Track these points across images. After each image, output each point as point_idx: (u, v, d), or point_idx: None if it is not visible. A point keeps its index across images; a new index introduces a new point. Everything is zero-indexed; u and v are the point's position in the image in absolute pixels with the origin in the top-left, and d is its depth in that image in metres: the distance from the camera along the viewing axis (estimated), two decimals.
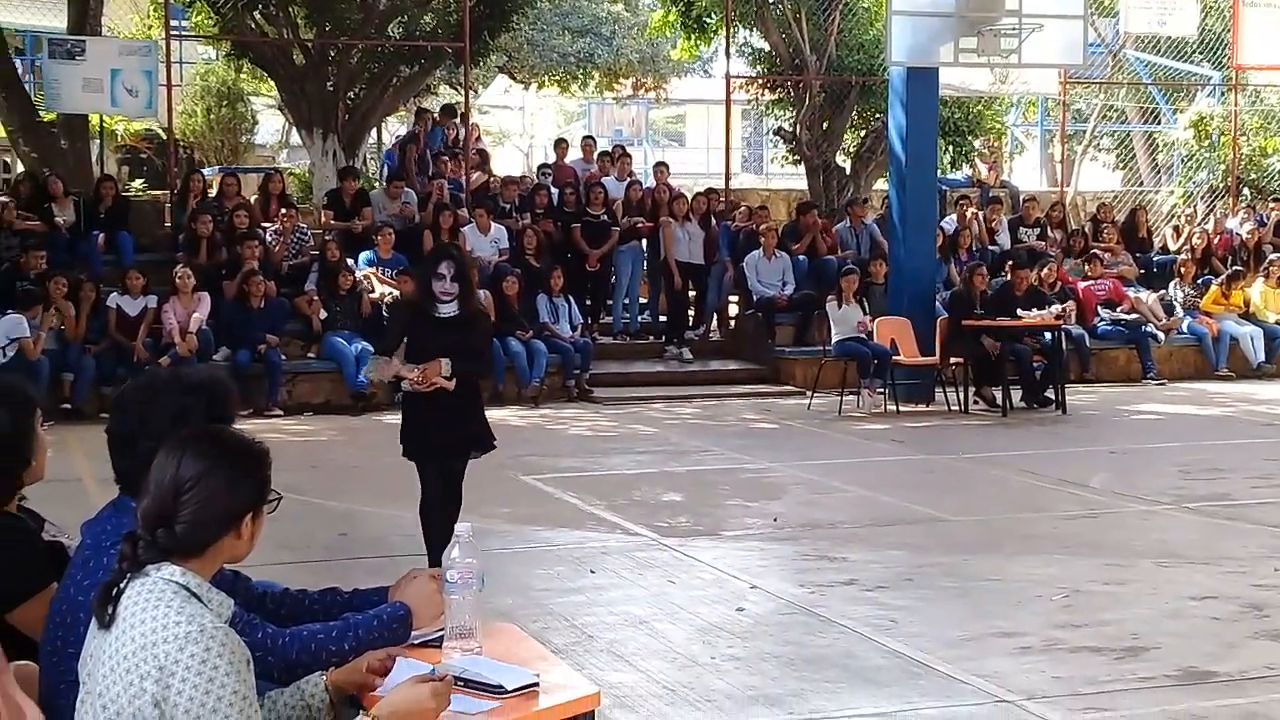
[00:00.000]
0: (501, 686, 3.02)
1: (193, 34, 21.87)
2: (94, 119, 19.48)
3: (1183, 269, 18.27)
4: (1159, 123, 25.94)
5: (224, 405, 3.22)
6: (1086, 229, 19.10)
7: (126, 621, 2.72)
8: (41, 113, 18.53)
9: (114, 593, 2.77)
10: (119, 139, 24.00)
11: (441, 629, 3.33)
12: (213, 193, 17.23)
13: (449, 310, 7.28)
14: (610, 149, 20.66)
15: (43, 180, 16.55)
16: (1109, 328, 17.27)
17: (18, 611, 3.54)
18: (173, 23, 18.94)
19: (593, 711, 3.11)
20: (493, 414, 14.24)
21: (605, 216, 17.43)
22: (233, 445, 2.92)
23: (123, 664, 2.68)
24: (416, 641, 3.35)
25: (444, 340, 7.21)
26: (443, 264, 7.28)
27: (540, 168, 19.66)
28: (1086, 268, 17.80)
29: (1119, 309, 17.44)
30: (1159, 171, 25.74)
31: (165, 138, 20.50)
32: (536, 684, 3.06)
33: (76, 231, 16.08)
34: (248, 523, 2.87)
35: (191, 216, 15.96)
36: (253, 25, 19.57)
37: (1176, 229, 19.99)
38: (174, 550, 2.79)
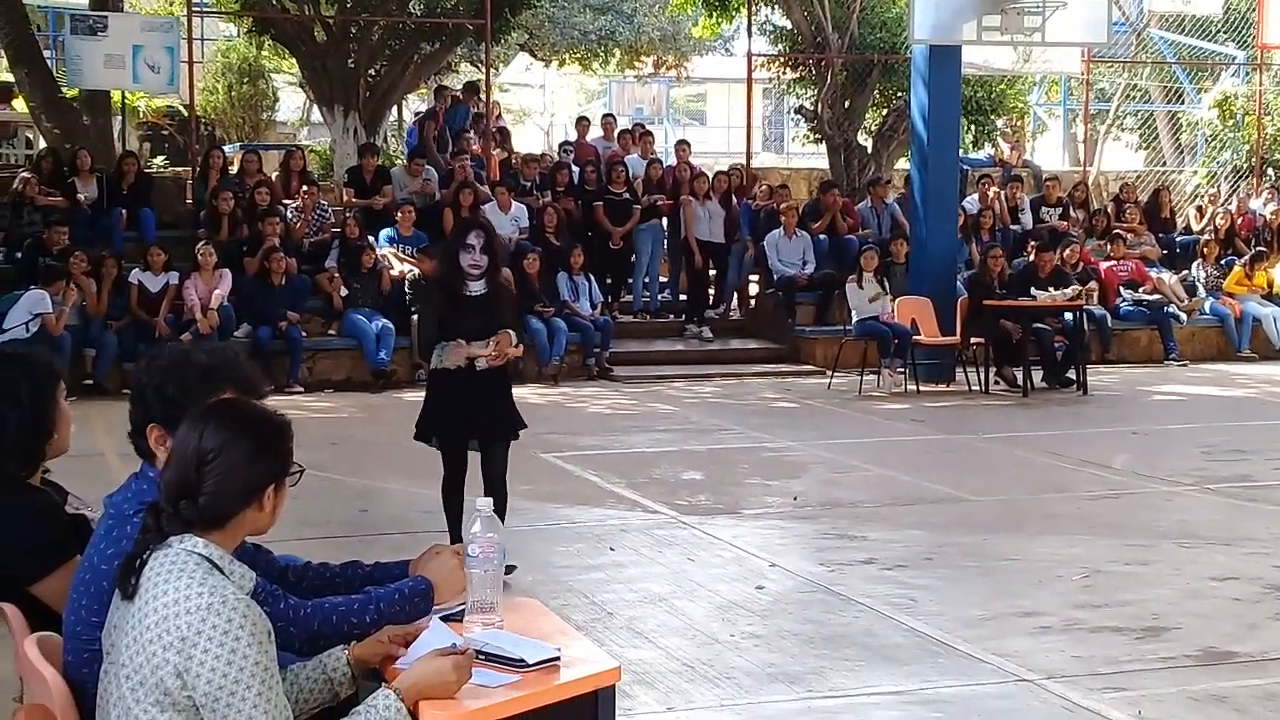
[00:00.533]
0: (522, 660, 3.02)
1: (214, 10, 21.86)
2: (116, 95, 19.49)
3: (1205, 249, 18.19)
4: (1183, 102, 25.78)
5: (232, 380, 3.22)
6: (1109, 209, 19.01)
7: (149, 592, 2.73)
8: (64, 89, 18.55)
9: (137, 564, 2.78)
10: (141, 115, 24.01)
11: (463, 603, 3.34)
12: (234, 170, 17.25)
13: (478, 287, 6.99)
14: (631, 127, 20.61)
15: (69, 155, 16.58)
16: (1131, 308, 17.20)
17: (41, 584, 3.56)
18: None
19: (613, 686, 3.11)
20: (513, 391, 14.41)
21: (626, 195, 17.42)
22: (255, 417, 2.93)
23: (145, 634, 2.70)
24: (439, 615, 3.35)
25: (474, 320, 6.94)
26: (471, 234, 6.98)
27: (561, 145, 19.64)
28: (1109, 248, 17.72)
29: (1141, 289, 17.37)
30: (1182, 151, 25.59)
31: (187, 114, 20.53)
32: (558, 658, 3.06)
33: (99, 208, 16.11)
34: (269, 495, 2.88)
35: (213, 193, 15.98)
36: (274, 2, 19.56)
37: (1200, 209, 19.89)
38: (197, 521, 2.81)
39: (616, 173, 17.55)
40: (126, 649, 2.73)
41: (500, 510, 6.72)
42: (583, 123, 20.54)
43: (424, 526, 7.95)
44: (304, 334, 14.73)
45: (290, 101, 29.88)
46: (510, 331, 7.02)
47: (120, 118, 20.65)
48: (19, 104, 20.74)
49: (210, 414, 2.88)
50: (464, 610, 3.32)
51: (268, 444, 2.88)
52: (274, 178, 17.02)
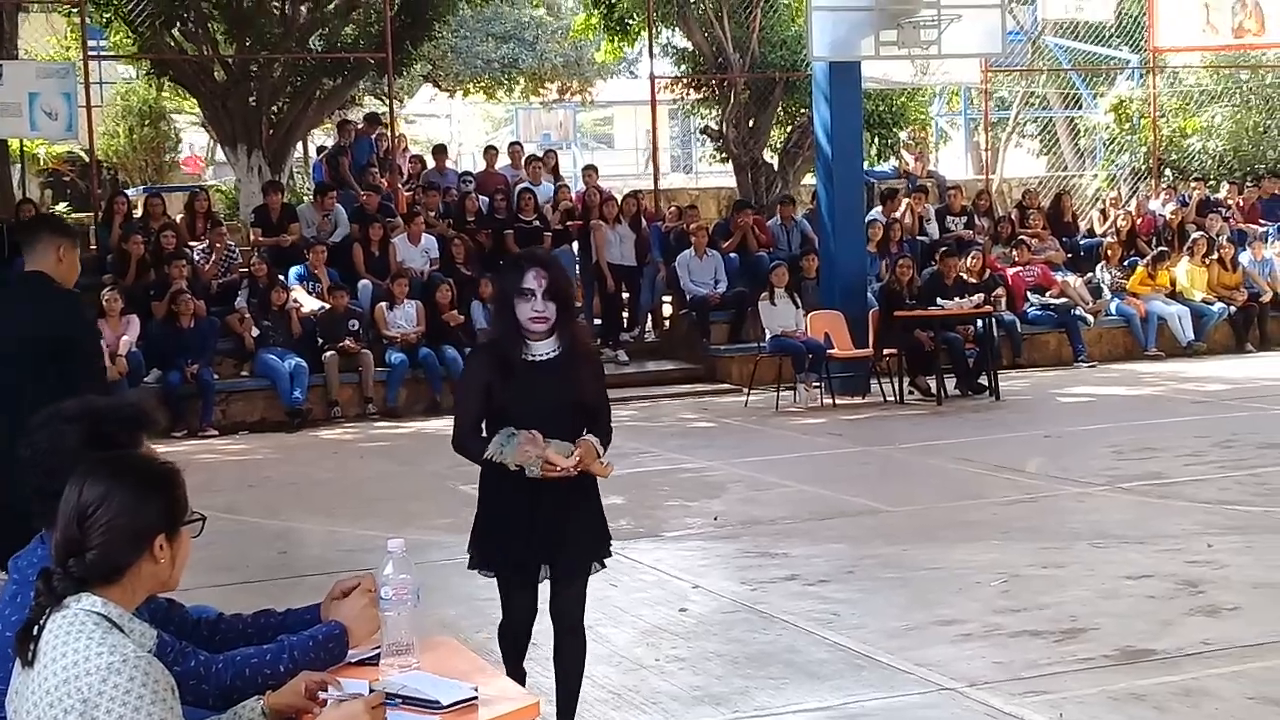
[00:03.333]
0: (438, 702, 3.02)
1: (111, 54, 21.63)
2: (14, 143, 19.24)
3: (1109, 251, 18.50)
4: (1080, 107, 26.22)
5: (117, 430, 3.16)
6: (1013, 215, 19.28)
7: (48, 655, 2.69)
8: None
9: (35, 630, 2.74)
10: (41, 162, 23.73)
11: (378, 646, 3.32)
12: (138, 213, 17.06)
13: (545, 348, 4.89)
14: (542, 154, 20.60)
15: None
16: (1039, 313, 17.44)
17: None
18: (90, 43, 18.73)
19: None
20: (433, 424, 14.42)
21: (536, 221, 17.43)
22: (132, 466, 2.89)
23: (45, 698, 2.66)
24: (354, 660, 3.33)
25: (542, 396, 4.85)
26: (530, 274, 4.80)
27: (461, 176, 19.56)
28: (1014, 254, 17.96)
29: (1048, 294, 17.62)
30: (1082, 156, 26.04)
31: (87, 160, 20.29)
32: (475, 697, 3.06)
33: (0, 257, 15.86)
34: (162, 544, 2.82)
35: (122, 237, 15.83)
36: (172, 43, 19.39)
37: (1103, 212, 20.22)
38: (89, 578, 2.76)
39: (525, 200, 17.56)
40: (28, 714, 2.69)
41: (578, 666, 5.13)
42: (490, 151, 20.54)
43: (344, 565, 7.88)
44: (216, 376, 14.58)
45: (193, 142, 29.62)
46: (593, 441, 4.90)
47: (20, 166, 20.38)
48: None
49: (87, 469, 2.85)
50: (379, 654, 3.30)
51: (149, 491, 2.84)
52: (179, 220, 16.85)
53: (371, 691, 2.99)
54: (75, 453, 3.03)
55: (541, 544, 4.91)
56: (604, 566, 5.15)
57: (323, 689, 3.00)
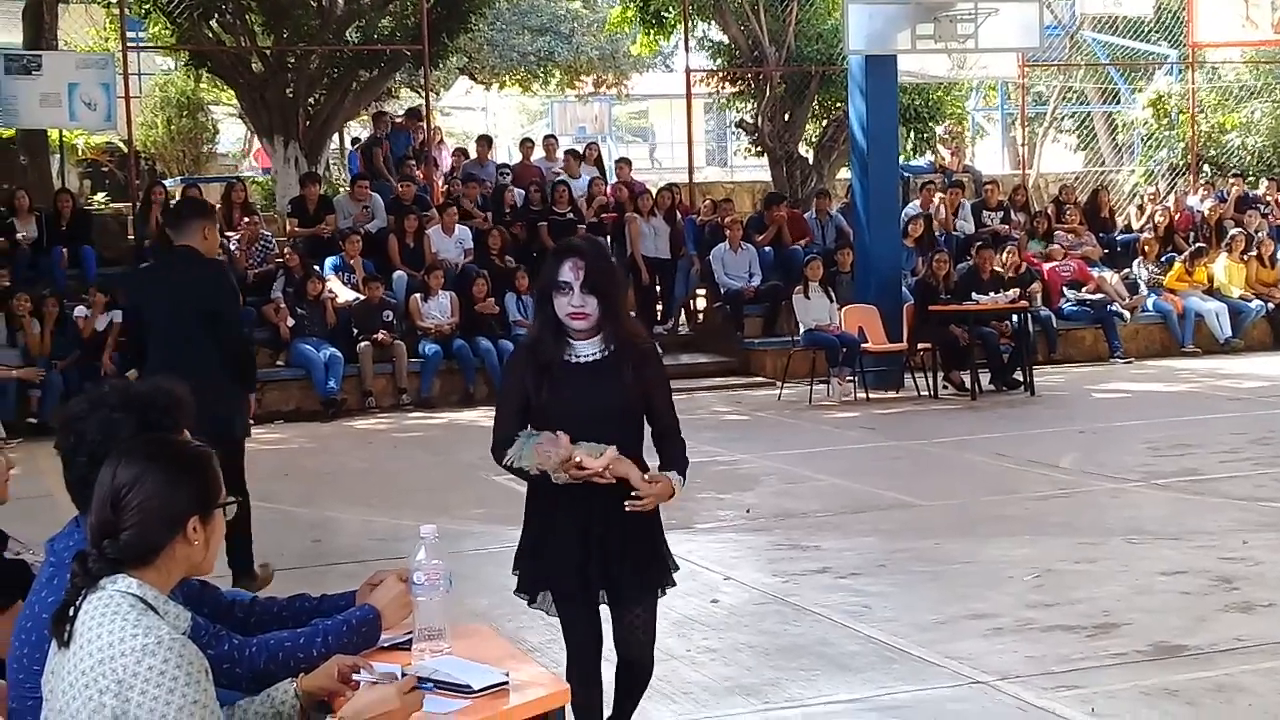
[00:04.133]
0: (469, 686, 3.03)
1: (150, 45, 21.73)
2: (53, 134, 19.37)
3: (1146, 247, 18.38)
4: (1118, 103, 26.07)
5: (162, 417, 3.18)
6: (1050, 211, 19.18)
7: (84, 637, 2.72)
8: (0, 129, 18.41)
9: (71, 611, 2.76)
10: (80, 153, 23.87)
11: (410, 631, 3.34)
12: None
13: (590, 350, 4.37)
14: (579, 147, 20.63)
15: (6, 195, 16.47)
16: (1075, 308, 17.36)
17: None
18: (129, 34, 18.83)
19: (563, 708, 3.12)
20: (466, 415, 14.48)
21: (571, 214, 17.45)
22: (166, 449, 2.91)
23: (81, 679, 2.68)
24: (386, 644, 3.35)
25: (585, 402, 4.31)
26: (566, 264, 4.30)
27: (499, 168, 19.63)
28: (1050, 249, 17.88)
29: (1084, 289, 17.53)
30: (1120, 151, 25.88)
31: (126, 150, 20.40)
32: (506, 683, 3.07)
33: (39, 247, 16.01)
34: (196, 526, 2.84)
35: (161, 226, 15.94)
36: (210, 34, 19.48)
37: (1140, 208, 20.10)
38: (124, 560, 2.79)
39: (560, 192, 17.60)
40: (64, 694, 2.72)
41: (634, 696, 4.67)
42: (526, 144, 20.58)
43: (378, 554, 7.93)
44: None
45: (230, 133, 29.76)
46: (670, 477, 4.37)
47: (59, 156, 20.51)
48: None
49: (121, 452, 2.87)
50: (411, 639, 3.32)
51: (182, 473, 2.86)
52: (216, 210, 16.93)
53: (404, 675, 3.00)
54: (105, 442, 3.05)
55: (596, 566, 4.34)
56: (663, 591, 4.57)
57: (355, 672, 3.02)
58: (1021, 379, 14.67)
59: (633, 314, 4.93)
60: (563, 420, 4.23)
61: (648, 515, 4.36)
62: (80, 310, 14.45)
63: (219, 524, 2.91)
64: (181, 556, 2.85)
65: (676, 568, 4.59)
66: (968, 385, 14.59)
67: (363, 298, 15.29)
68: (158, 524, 2.80)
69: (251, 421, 7.95)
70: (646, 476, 4.28)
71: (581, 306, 4.28)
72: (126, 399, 3.19)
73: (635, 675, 4.60)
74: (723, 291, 17.01)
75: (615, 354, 4.35)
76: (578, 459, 4.17)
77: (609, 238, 17.43)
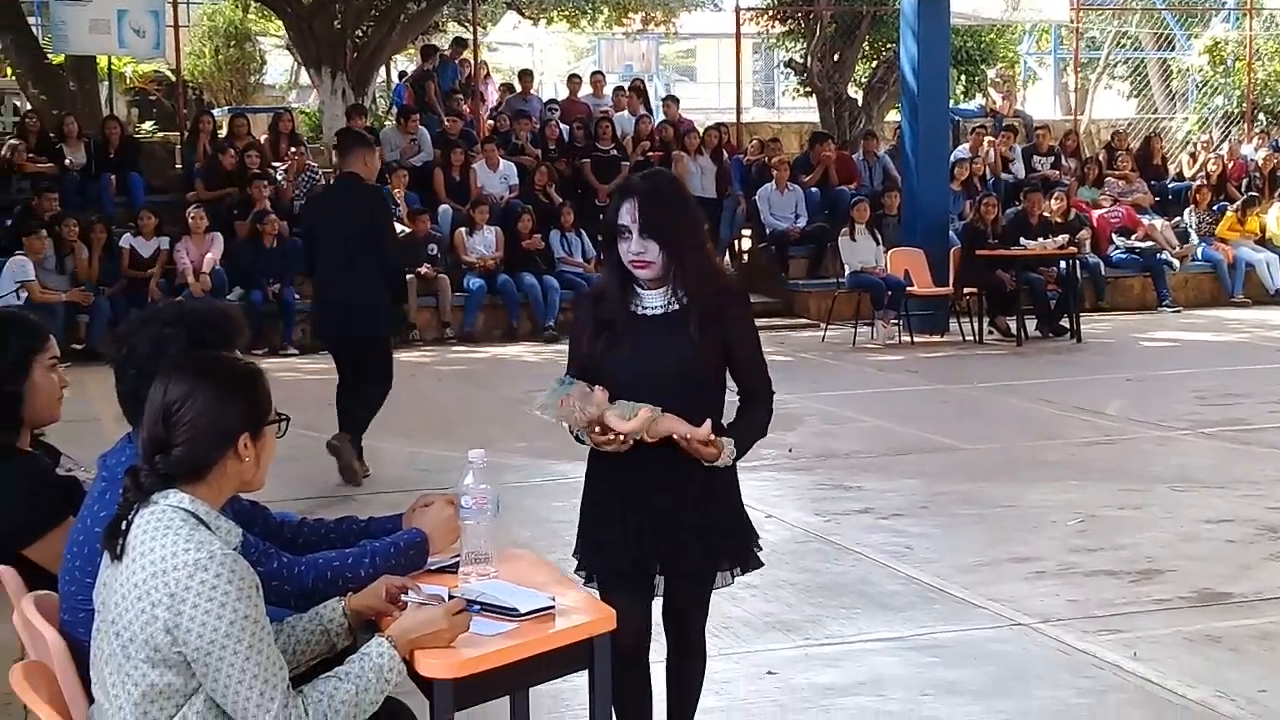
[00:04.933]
0: (515, 609, 3.04)
1: None
2: (102, 61, 19.40)
3: (1198, 196, 18.17)
4: (1173, 49, 25.71)
5: (214, 335, 3.20)
6: (1101, 157, 18.98)
7: (136, 550, 2.74)
8: (49, 55, 18.46)
9: (123, 525, 2.78)
10: (128, 81, 23.92)
11: (457, 555, 3.35)
12: (223, 133, 17.20)
13: (657, 302, 3.81)
14: (625, 84, 20.54)
15: (55, 121, 16.55)
16: (1124, 256, 17.21)
17: (34, 547, 3.57)
18: None
19: (608, 635, 3.12)
20: (509, 350, 14.49)
21: (614, 151, 17.39)
22: (216, 365, 2.92)
23: (134, 591, 2.71)
24: (433, 567, 3.36)
25: (647, 360, 3.75)
26: (624, 206, 3.74)
27: (547, 103, 19.58)
28: (1100, 196, 17.69)
29: (1133, 237, 17.36)
30: (1173, 98, 25.54)
31: (174, 79, 20.43)
32: (552, 607, 3.08)
33: (87, 173, 16.08)
34: (247, 442, 2.86)
35: (209, 154, 16.02)
36: None
37: (1192, 155, 19.86)
38: (175, 475, 2.80)
39: (603, 129, 17.52)
40: (116, 606, 2.74)
41: (691, 696, 4.07)
42: (574, 80, 20.49)
43: (421, 484, 7.96)
44: (297, 296, 14.70)
45: (278, 64, 29.74)
46: (667, 420, 3.63)
47: (108, 84, 20.56)
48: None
49: (173, 367, 2.88)
50: (458, 562, 3.33)
51: (233, 389, 2.87)
52: (263, 141, 16.97)
53: (450, 598, 3.01)
54: (155, 358, 3.09)
55: (651, 544, 3.78)
56: (733, 578, 3.96)
57: (403, 593, 3.03)
58: (1068, 326, 14.57)
59: (713, 260, 4.00)
60: (622, 381, 3.68)
61: (721, 486, 3.83)
62: (127, 238, 14.52)
63: (269, 441, 2.92)
64: (233, 472, 2.86)
65: (759, 546, 4.00)
66: (1013, 331, 14.49)
67: (408, 231, 15.29)
68: (209, 440, 2.82)
69: (413, 325, 9.62)
70: (693, 433, 3.62)
71: (642, 253, 3.71)
72: (179, 315, 3.22)
73: (688, 666, 4.01)
74: (768, 232, 16.93)
75: (686, 306, 3.76)
76: (607, 419, 3.59)
77: None
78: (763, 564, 4.05)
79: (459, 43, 20.82)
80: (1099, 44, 26.77)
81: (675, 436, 3.61)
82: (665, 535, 3.78)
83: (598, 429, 3.62)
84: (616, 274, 3.80)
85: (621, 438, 3.60)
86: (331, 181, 10.04)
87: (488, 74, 22.28)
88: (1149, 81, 26.38)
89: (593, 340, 3.81)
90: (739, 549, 3.93)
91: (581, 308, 4.07)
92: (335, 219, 8.27)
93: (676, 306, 3.78)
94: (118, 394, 3.22)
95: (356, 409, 8.52)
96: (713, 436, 3.65)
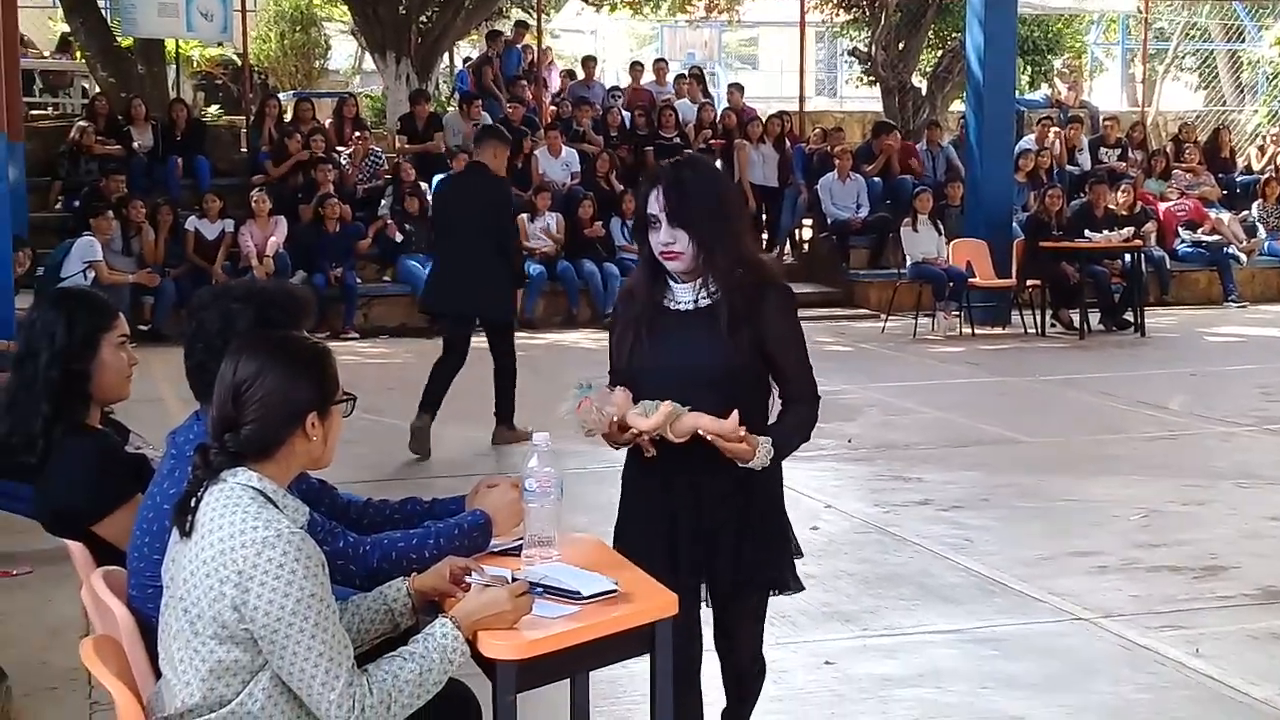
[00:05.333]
0: (579, 593, 3.04)
1: None
2: (169, 45, 19.58)
3: (1266, 189, 17.93)
4: (1243, 40, 25.37)
5: (281, 314, 3.23)
6: (1168, 149, 18.77)
7: (205, 527, 2.77)
8: (119, 38, 18.64)
9: (192, 502, 2.81)
10: (195, 65, 24.11)
11: (520, 538, 3.36)
12: (287, 118, 17.32)
13: (688, 296, 3.60)
14: (686, 71, 20.53)
15: (123, 103, 16.73)
16: (1189, 249, 17.02)
17: (103, 523, 3.61)
18: None
19: (670, 619, 3.12)
20: (568, 337, 14.52)
21: (676, 139, 17.38)
22: (285, 344, 2.95)
23: (203, 568, 2.74)
24: (496, 549, 3.38)
25: (675, 358, 3.56)
26: (652, 194, 3.55)
27: (610, 90, 19.60)
28: (1167, 188, 17.51)
29: (1200, 230, 17.16)
30: (1243, 91, 25.22)
31: (240, 63, 20.58)
32: (615, 590, 3.08)
33: (154, 156, 16.24)
34: (314, 421, 2.88)
35: (275, 138, 16.15)
36: None
37: (1261, 149, 19.60)
38: (244, 453, 2.83)
39: (666, 117, 17.52)
40: (185, 582, 2.77)
41: (746, 703, 3.88)
42: (636, 67, 20.49)
43: (480, 468, 8.00)
44: (359, 280, 14.81)
45: (342, 49, 29.89)
46: (691, 417, 3.44)
47: (174, 67, 20.75)
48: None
49: (243, 346, 2.91)
50: (521, 545, 3.34)
51: (302, 368, 2.89)
52: (327, 125, 17.08)
53: (514, 580, 3.03)
54: (244, 333, 3.12)
55: (692, 552, 3.59)
56: (776, 594, 3.74)
57: (467, 574, 3.05)
58: (1132, 319, 14.44)
59: (751, 251, 3.69)
60: (649, 381, 3.51)
61: (754, 490, 3.58)
62: (192, 220, 14.66)
63: (337, 420, 2.95)
64: (300, 451, 2.89)
65: (799, 554, 3.77)
66: (1076, 324, 14.38)
67: None
68: (278, 419, 2.84)
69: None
70: (719, 428, 3.40)
71: (671, 243, 3.50)
72: (249, 293, 3.26)
73: (740, 682, 3.84)
74: (829, 221, 16.87)
75: (718, 301, 3.53)
76: (632, 420, 3.43)
77: (717, 163, 17.35)
78: (803, 588, 3.77)
79: (521, 25, 20.85)
80: (1167, 35, 26.48)
81: (702, 433, 3.39)
82: (698, 539, 3.58)
83: (619, 430, 3.46)
84: (648, 267, 3.61)
85: (645, 436, 3.43)
86: (463, 167, 10.89)
87: (551, 60, 22.29)
88: (1217, 73, 26.06)
89: (622, 338, 3.64)
90: (773, 564, 3.68)
91: (617, 305, 3.84)
92: (461, 201, 9.08)
93: (708, 300, 3.55)
94: (186, 369, 3.27)
95: (438, 385, 9.06)
96: (743, 431, 3.41)
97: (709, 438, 3.40)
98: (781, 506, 3.71)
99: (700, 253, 3.50)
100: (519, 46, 20.05)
